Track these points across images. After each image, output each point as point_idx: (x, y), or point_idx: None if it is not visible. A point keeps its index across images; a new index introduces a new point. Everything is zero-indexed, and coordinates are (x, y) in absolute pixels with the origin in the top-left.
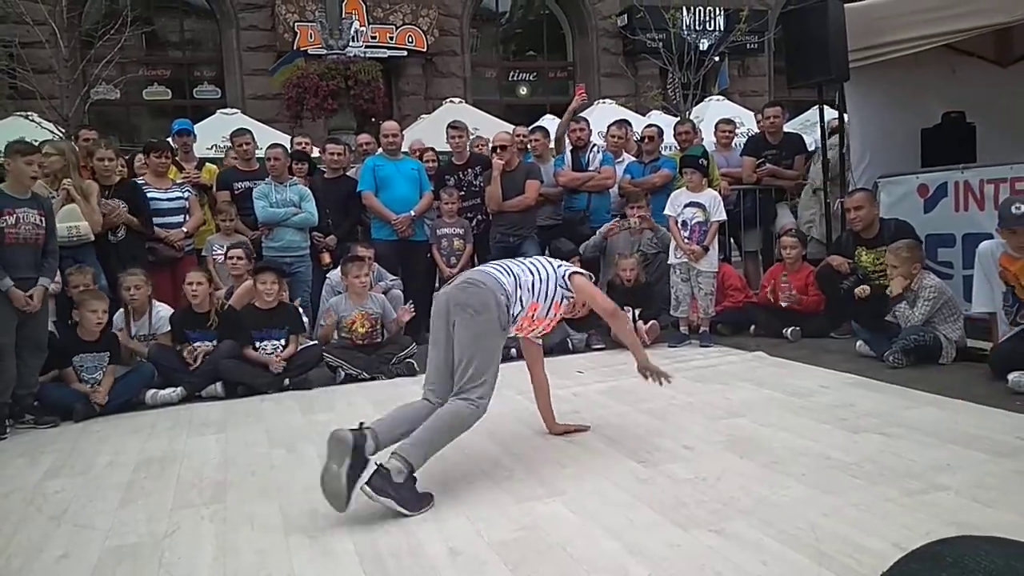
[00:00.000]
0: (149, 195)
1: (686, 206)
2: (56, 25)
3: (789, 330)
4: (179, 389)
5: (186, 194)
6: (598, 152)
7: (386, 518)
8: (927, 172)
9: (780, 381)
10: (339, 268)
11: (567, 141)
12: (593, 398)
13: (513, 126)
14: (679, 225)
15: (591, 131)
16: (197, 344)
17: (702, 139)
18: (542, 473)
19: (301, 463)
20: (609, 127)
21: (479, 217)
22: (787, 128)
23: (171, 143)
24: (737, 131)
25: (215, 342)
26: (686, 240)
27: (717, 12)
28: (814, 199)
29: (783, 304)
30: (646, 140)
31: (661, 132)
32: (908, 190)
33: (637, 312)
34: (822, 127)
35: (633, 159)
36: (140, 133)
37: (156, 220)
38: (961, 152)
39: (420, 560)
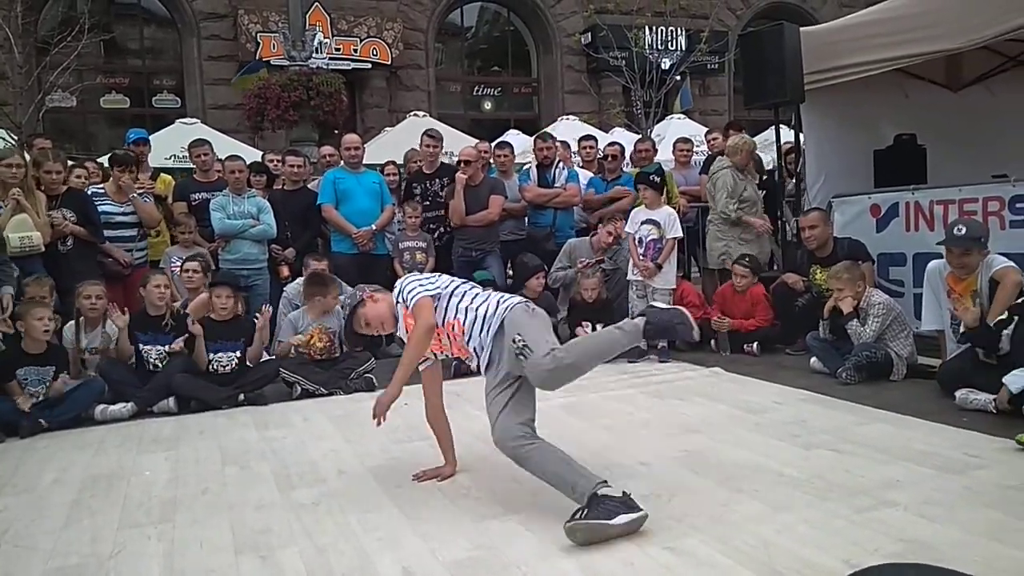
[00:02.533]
0: (105, 208)
1: (643, 223)
2: (10, 30)
3: (754, 345)
4: (130, 404)
5: (144, 202)
6: (563, 169)
7: (339, 538)
8: (879, 192)
9: (736, 397)
10: (302, 284)
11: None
12: (552, 413)
13: (477, 140)
14: (636, 242)
15: (557, 149)
16: (150, 347)
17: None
18: (499, 490)
19: (254, 481)
20: (580, 140)
21: (442, 229)
22: None
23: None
24: (696, 150)
25: (169, 345)
26: (641, 257)
27: (679, 32)
28: (728, 229)
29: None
30: (609, 158)
31: (623, 150)
32: (861, 210)
33: (600, 327)
34: (779, 147)
35: (592, 175)
36: (97, 141)
37: (109, 233)
38: (912, 174)
39: None
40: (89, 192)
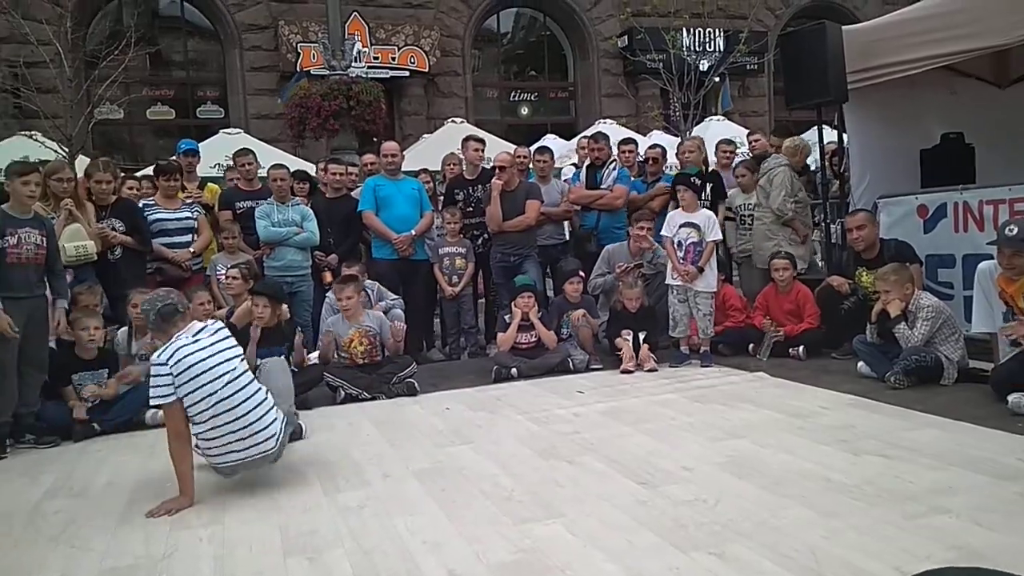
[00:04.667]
0: (157, 216)
1: (681, 226)
2: (60, 45)
3: (799, 350)
4: None
5: (194, 214)
6: (614, 169)
7: (385, 540)
8: (927, 193)
9: (781, 402)
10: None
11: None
12: (593, 418)
13: (515, 146)
14: (675, 246)
15: (610, 150)
16: None
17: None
18: (541, 494)
19: (301, 484)
20: (620, 143)
21: (485, 235)
22: None
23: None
24: (737, 151)
25: None
26: (681, 261)
27: (717, 33)
28: (778, 228)
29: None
30: (650, 161)
31: (665, 152)
32: (908, 210)
33: (642, 336)
34: (821, 148)
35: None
36: (143, 152)
37: (164, 240)
38: (960, 173)
39: None
40: (140, 204)
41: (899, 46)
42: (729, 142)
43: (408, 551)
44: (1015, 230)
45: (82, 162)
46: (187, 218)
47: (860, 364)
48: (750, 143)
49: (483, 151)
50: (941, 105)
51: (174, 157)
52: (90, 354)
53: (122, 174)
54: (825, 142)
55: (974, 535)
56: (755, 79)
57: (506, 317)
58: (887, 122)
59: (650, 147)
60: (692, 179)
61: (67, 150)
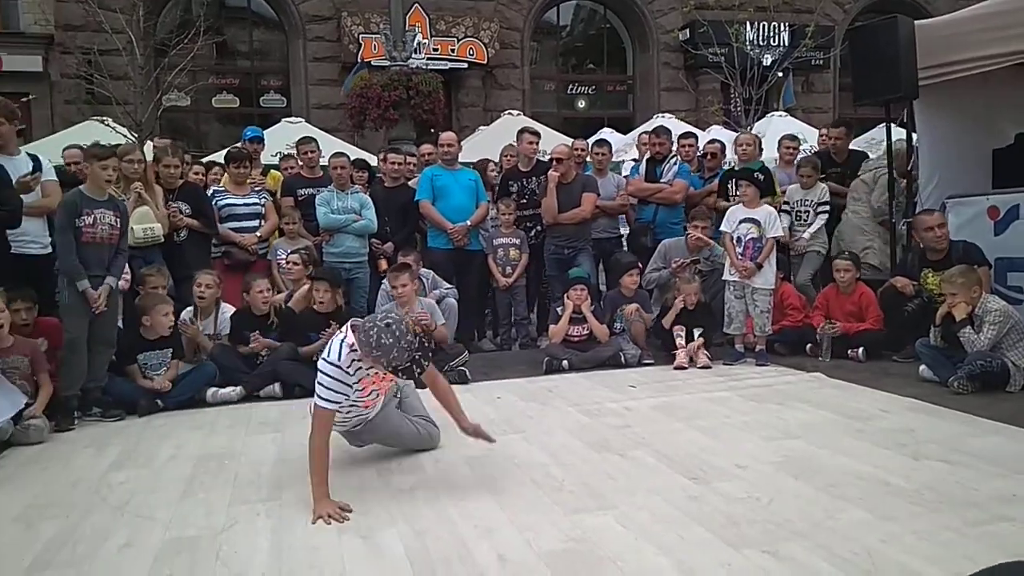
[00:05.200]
0: (227, 201)
1: (741, 222)
2: (133, 34)
3: (859, 351)
4: (239, 388)
5: (262, 200)
6: (675, 164)
7: (436, 523)
8: (998, 193)
9: (838, 403)
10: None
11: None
12: (645, 413)
13: (572, 139)
14: (733, 241)
15: (672, 145)
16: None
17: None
18: (592, 485)
19: (355, 465)
20: (680, 138)
21: (538, 227)
22: (852, 147)
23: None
24: (801, 148)
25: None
26: (739, 257)
27: (782, 27)
28: (874, 226)
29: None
30: (708, 156)
31: (723, 148)
32: (978, 211)
33: (697, 332)
34: (889, 146)
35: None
36: (208, 140)
37: (232, 225)
38: None
39: (469, 566)
40: (211, 192)
41: (973, 42)
42: (793, 138)
43: (460, 535)
44: None
45: (150, 148)
46: (255, 204)
47: (922, 368)
48: (821, 137)
49: (537, 144)
50: (1016, 104)
51: (240, 144)
52: (155, 334)
53: (188, 158)
54: (892, 140)
55: None
56: (820, 75)
57: (558, 309)
58: (959, 120)
59: (709, 142)
60: (756, 175)
61: (136, 136)
